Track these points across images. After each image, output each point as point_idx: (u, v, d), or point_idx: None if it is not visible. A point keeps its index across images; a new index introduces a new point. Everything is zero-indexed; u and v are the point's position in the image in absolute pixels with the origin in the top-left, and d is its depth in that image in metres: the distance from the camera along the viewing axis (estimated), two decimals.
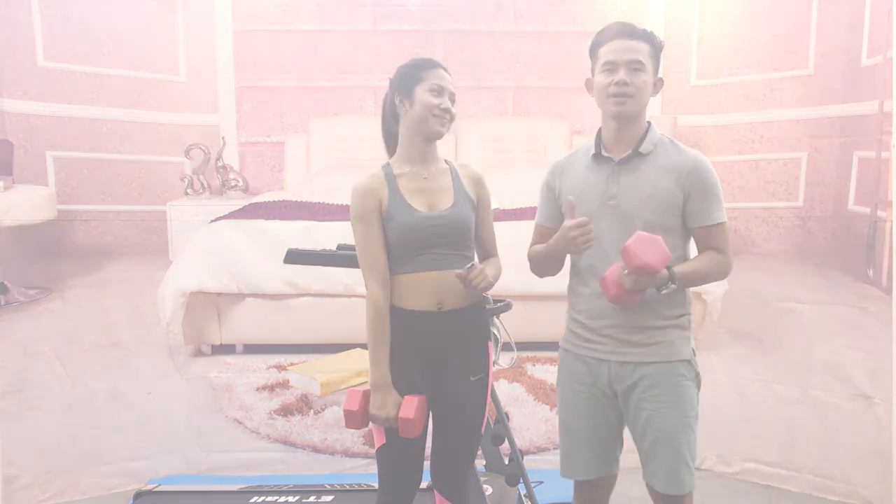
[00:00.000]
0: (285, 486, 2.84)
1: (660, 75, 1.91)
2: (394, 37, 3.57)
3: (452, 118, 1.91)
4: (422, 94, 1.86)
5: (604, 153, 1.89)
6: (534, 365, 3.51)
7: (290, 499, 2.69)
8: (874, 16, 3.01)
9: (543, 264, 2.00)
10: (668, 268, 1.77)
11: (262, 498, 2.71)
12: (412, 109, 1.88)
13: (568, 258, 1.95)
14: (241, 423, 3.47)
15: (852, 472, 3.07)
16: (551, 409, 3.46)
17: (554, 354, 3.48)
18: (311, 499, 2.69)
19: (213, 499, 2.78)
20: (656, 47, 1.88)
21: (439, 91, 1.87)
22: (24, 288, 3.28)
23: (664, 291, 1.78)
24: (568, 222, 1.79)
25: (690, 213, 1.86)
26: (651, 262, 1.71)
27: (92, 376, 3.31)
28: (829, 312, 3.17)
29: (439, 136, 1.91)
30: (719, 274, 1.92)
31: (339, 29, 3.58)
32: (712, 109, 3.28)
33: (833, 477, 3.11)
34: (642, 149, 1.86)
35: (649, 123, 1.92)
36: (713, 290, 3.20)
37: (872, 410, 3.02)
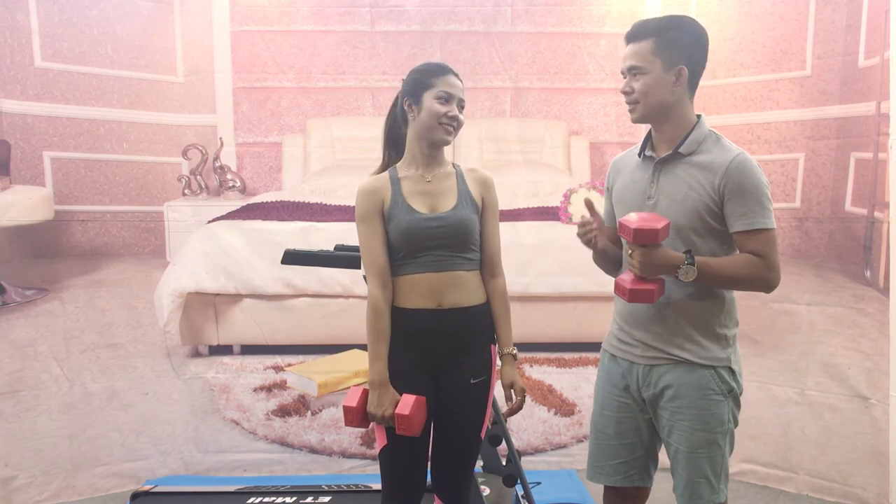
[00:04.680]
0: (282, 486, 2.84)
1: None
2: (392, 38, 3.58)
3: (459, 126, 1.92)
4: (429, 102, 1.87)
5: (647, 152, 1.85)
6: (531, 366, 3.51)
7: (288, 500, 2.69)
8: (871, 17, 3.01)
9: (599, 263, 2.03)
10: (688, 252, 1.69)
11: (259, 499, 2.70)
12: (420, 116, 1.89)
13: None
14: (238, 423, 3.48)
15: (849, 473, 3.07)
16: (549, 411, 3.46)
17: (552, 355, 3.51)
18: (309, 500, 2.69)
19: (211, 500, 2.77)
20: (664, 37, 1.74)
21: (447, 98, 1.88)
22: (21, 288, 3.28)
23: (682, 277, 1.68)
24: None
25: (729, 217, 1.74)
26: (645, 226, 1.65)
27: (89, 377, 3.31)
28: (827, 313, 3.18)
29: (445, 143, 1.92)
30: (756, 280, 1.75)
31: (337, 30, 3.58)
32: (709, 111, 3.27)
33: (830, 478, 3.12)
34: (682, 149, 1.78)
35: (699, 117, 1.82)
36: None
37: (869, 411, 3.02)
